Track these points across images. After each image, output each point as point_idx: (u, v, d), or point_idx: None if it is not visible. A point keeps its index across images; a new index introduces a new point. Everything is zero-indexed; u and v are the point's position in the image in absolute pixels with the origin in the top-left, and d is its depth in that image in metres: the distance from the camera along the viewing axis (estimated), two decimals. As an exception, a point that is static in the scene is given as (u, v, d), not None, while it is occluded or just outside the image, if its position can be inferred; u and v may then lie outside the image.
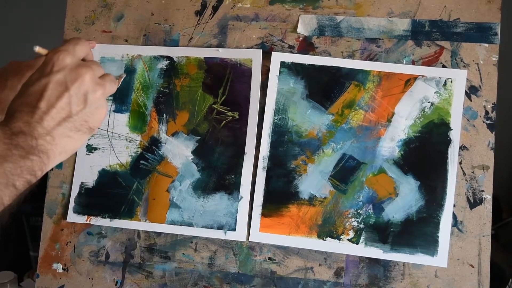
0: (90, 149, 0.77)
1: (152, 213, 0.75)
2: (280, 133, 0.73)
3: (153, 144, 0.76)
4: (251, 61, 0.74)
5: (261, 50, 0.74)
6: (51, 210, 0.79)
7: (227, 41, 0.76)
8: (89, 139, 0.77)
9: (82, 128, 0.53)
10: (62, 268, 0.78)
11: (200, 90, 0.75)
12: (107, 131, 0.77)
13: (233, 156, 0.74)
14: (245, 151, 0.74)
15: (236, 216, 0.74)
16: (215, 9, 0.77)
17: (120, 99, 0.77)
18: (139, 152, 0.77)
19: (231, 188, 0.74)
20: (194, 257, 0.75)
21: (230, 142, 0.74)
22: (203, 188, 0.75)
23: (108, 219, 0.76)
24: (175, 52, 0.76)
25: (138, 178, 0.76)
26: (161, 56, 0.77)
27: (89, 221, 0.77)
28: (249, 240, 0.73)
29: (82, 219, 0.77)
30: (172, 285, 0.75)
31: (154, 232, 0.76)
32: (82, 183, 0.77)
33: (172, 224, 0.75)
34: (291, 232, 0.72)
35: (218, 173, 0.74)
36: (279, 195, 0.73)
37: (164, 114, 0.76)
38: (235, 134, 0.74)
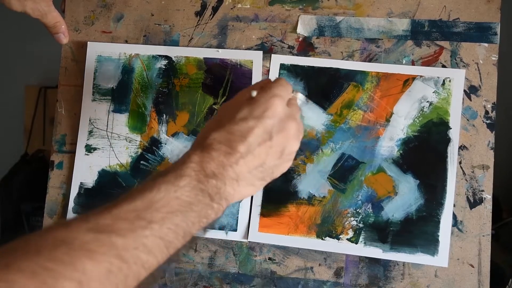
0: (89, 149, 0.78)
1: None
2: (280, 133, 0.73)
3: (153, 145, 0.76)
4: (252, 62, 0.74)
5: (261, 52, 0.74)
6: (51, 211, 0.79)
7: (227, 41, 0.76)
8: (88, 139, 0.77)
9: (267, 178, 0.51)
10: (62, 268, 0.78)
11: (200, 91, 0.75)
12: (106, 131, 0.77)
13: None
14: None
15: (238, 217, 0.74)
16: (215, 9, 0.77)
17: (119, 99, 0.77)
18: (139, 153, 0.77)
19: None
20: (194, 257, 0.75)
21: None
22: None
23: None
24: (173, 52, 0.76)
25: (139, 178, 0.76)
26: (159, 55, 0.77)
27: None
28: (248, 240, 0.73)
29: None
30: (172, 285, 0.76)
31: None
32: (81, 183, 0.77)
33: None
34: (290, 232, 0.72)
35: None
36: (278, 195, 0.73)
37: (164, 115, 0.76)
38: None
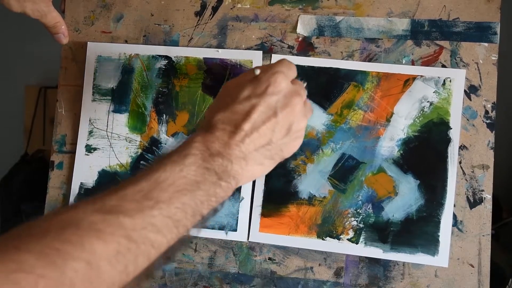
0: (89, 149, 0.78)
1: None
2: (280, 133, 0.73)
3: (153, 145, 0.76)
4: (252, 62, 0.74)
5: (261, 51, 0.74)
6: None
7: (227, 41, 0.76)
8: (88, 139, 0.77)
9: (276, 156, 0.50)
10: (62, 269, 0.78)
11: (200, 91, 0.75)
12: (106, 131, 0.77)
13: None
14: None
15: (238, 217, 0.74)
16: (214, 9, 0.77)
17: (119, 99, 0.77)
18: (139, 153, 0.77)
19: None
20: (194, 257, 0.75)
21: None
22: None
23: None
24: (173, 52, 0.76)
25: None
26: (159, 55, 0.77)
27: None
28: (249, 240, 0.73)
29: None
30: (172, 285, 0.76)
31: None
32: (81, 183, 0.77)
33: None
34: (291, 232, 0.72)
35: None
36: (279, 195, 0.73)
37: (164, 115, 0.76)
38: None
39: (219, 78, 0.75)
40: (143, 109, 0.77)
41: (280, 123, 0.48)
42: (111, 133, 0.77)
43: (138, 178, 0.43)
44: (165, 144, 0.76)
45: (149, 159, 0.76)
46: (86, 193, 0.77)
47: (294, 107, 0.49)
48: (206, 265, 0.75)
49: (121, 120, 0.77)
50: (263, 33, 0.75)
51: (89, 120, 0.78)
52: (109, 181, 0.77)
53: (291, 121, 0.49)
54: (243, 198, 0.74)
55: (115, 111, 0.77)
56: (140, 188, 0.42)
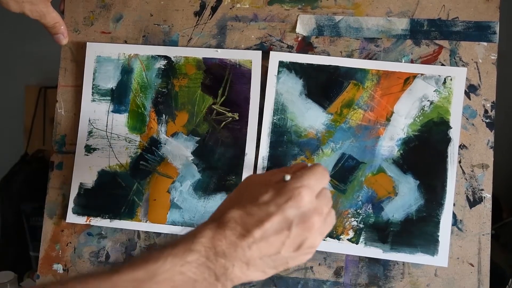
0: (89, 149, 0.78)
1: (152, 213, 0.75)
2: (279, 133, 0.73)
3: (153, 145, 0.76)
4: (251, 62, 0.74)
5: (260, 51, 0.74)
6: (51, 211, 0.79)
7: (226, 41, 0.76)
8: (87, 140, 0.77)
9: (280, 267, 0.48)
10: (63, 269, 0.78)
11: (199, 91, 0.75)
12: (106, 131, 0.77)
13: (234, 157, 0.74)
14: (246, 152, 0.74)
15: None
16: (214, 9, 0.77)
17: (118, 99, 0.77)
18: (138, 153, 0.77)
19: (232, 188, 0.74)
20: (194, 257, 0.75)
21: (230, 143, 0.74)
22: (204, 188, 0.75)
23: (108, 220, 0.76)
24: (173, 52, 0.76)
25: (138, 178, 0.76)
26: (158, 55, 0.77)
27: (89, 221, 0.77)
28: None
29: (81, 220, 0.77)
30: (172, 285, 0.75)
31: (154, 232, 0.76)
32: (81, 183, 0.77)
33: (173, 225, 0.75)
34: (291, 232, 0.72)
35: (219, 174, 0.74)
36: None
37: (163, 115, 0.76)
38: (235, 135, 0.74)
39: (219, 78, 0.75)
40: (142, 109, 0.77)
41: (292, 238, 0.46)
42: (111, 133, 0.77)
43: (137, 265, 0.42)
44: (165, 144, 0.76)
45: (149, 159, 0.76)
46: (85, 194, 0.77)
47: (311, 226, 0.46)
48: (206, 265, 0.75)
49: (121, 120, 0.77)
50: (262, 33, 0.75)
51: (89, 121, 0.78)
52: (109, 181, 0.77)
53: (304, 238, 0.46)
54: None
55: (114, 111, 0.77)
56: (135, 277, 0.41)
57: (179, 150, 0.75)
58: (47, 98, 1.58)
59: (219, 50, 0.75)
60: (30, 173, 1.28)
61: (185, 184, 0.75)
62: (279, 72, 0.73)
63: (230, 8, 0.76)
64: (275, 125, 0.73)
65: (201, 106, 0.75)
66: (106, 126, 0.77)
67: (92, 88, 0.78)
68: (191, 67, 0.75)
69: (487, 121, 0.71)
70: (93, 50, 0.78)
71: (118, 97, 0.77)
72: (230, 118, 0.74)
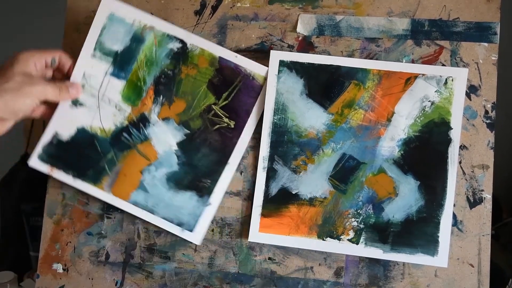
0: (76, 103, 0.75)
1: (118, 187, 0.74)
2: (280, 133, 0.73)
3: (141, 122, 0.74)
4: (265, 79, 0.74)
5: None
6: (51, 211, 0.79)
7: (227, 40, 0.76)
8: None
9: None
10: (62, 268, 0.78)
11: (205, 86, 0.74)
12: (98, 91, 0.75)
13: (216, 162, 0.74)
14: (228, 161, 0.74)
15: (198, 219, 0.74)
16: (214, 8, 0.77)
17: (120, 64, 0.75)
18: (124, 124, 0.75)
19: (204, 192, 0.74)
20: (194, 257, 0.75)
21: (218, 148, 0.74)
22: (176, 182, 0.74)
23: (71, 177, 0.75)
24: (192, 39, 0.74)
25: (116, 149, 0.75)
26: (175, 37, 0.74)
27: (51, 171, 0.75)
28: (249, 240, 0.73)
29: (44, 168, 0.75)
30: (172, 285, 0.75)
31: (154, 232, 0.76)
32: (56, 133, 0.75)
33: (134, 205, 0.74)
34: (291, 232, 0.72)
35: (196, 173, 0.74)
36: (279, 196, 0.73)
37: (161, 96, 0.75)
38: (224, 142, 0.74)
39: (228, 82, 0.74)
40: (142, 83, 0.75)
41: None
42: (103, 95, 0.75)
43: None
44: (153, 125, 0.74)
45: (133, 134, 0.75)
46: (57, 144, 0.75)
47: None
48: (206, 265, 0.75)
49: (117, 86, 0.75)
50: (263, 32, 0.75)
51: (83, 74, 0.74)
52: (85, 142, 0.75)
53: None
54: (210, 204, 0.74)
55: (113, 74, 0.75)
56: None
57: (166, 136, 0.74)
58: (47, 98, 1.58)
59: (238, 55, 0.74)
60: (30, 173, 1.27)
61: (160, 171, 0.74)
62: (279, 71, 0.73)
63: (231, 7, 0.76)
64: (276, 125, 0.73)
65: (201, 102, 0.75)
66: (100, 86, 0.75)
67: (96, 43, 0.74)
68: (204, 61, 0.74)
69: (487, 121, 0.71)
70: (108, 6, 0.74)
71: (121, 62, 0.75)
72: (226, 124, 0.74)
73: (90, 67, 0.74)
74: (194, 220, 0.74)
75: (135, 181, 0.74)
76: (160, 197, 0.74)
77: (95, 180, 0.75)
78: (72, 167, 0.75)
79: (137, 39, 0.74)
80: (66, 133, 0.75)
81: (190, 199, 0.74)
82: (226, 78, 0.74)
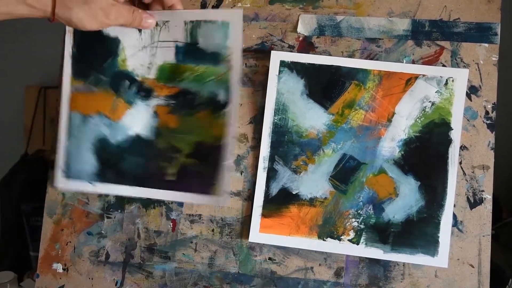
0: None
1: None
2: (280, 133, 0.73)
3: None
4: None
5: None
6: (51, 210, 0.79)
7: (227, 41, 0.76)
8: None
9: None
10: (62, 268, 0.78)
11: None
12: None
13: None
14: None
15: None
16: (215, 8, 0.76)
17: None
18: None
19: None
20: (194, 257, 0.75)
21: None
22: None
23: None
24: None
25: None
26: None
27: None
28: (249, 240, 0.73)
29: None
30: (172, 285, 0.75)
31: (154, 232, 0.76)
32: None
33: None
34: (292, 232, 0.72)
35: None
36: (279, 196, 0.73)
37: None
38: None
39: None
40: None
41: None
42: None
43: None
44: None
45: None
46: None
47: None
48: (206, 265, 0.75)
49: None
50: (263, 33, 0.75)
51: None
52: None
53: None
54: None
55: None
56: None
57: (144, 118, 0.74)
58: (47, 98, 1.58)
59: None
60: (30, 173, 1.28)
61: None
62: (280, 71, 0.73)
63: (231, 7, 0.76)
64: (276, 125, 0.73)
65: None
66: None
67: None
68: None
69: (488, 122, 0.71)
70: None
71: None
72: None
73: None
74: None
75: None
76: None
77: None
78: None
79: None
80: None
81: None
82: None
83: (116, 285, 0.77)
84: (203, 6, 0.77)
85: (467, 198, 0.71)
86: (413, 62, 0.72)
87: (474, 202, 0.71)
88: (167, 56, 0.72)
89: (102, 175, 0.74)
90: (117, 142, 0.74)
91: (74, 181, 0.75)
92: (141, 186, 0.74)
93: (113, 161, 0.74)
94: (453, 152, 0.70)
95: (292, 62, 0.73)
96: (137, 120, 0.73)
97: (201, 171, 0.72)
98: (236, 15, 0.69)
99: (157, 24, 0.71)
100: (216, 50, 0.70)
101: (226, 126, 0.70)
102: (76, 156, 0.75)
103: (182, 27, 0.71)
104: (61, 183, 0.76)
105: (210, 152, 0.71)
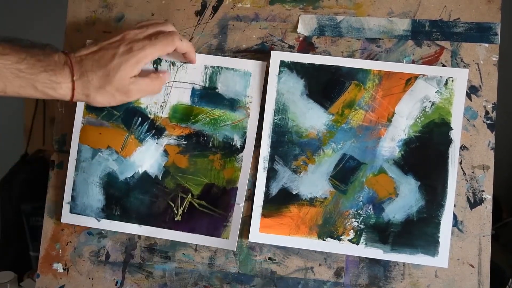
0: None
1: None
2: (280, 133, 0.73)
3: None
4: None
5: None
6: (51, 211, 0.79)
7: (227, 41, 0.76)
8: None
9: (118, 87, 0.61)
10: (63, 268, 0.78)
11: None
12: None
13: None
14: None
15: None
16: (215, 9, 0.77)
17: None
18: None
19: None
20: (194, 257, 0.75)
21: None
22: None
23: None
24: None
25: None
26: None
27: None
28: (249, 240, 0.73)
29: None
30: (172, 285, 0.75)
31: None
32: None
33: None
34: (291, 232, 0.72)
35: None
36: (279, 196, 0.73)
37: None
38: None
39: None
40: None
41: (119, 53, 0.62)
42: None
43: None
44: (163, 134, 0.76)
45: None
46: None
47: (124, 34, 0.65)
48: (206, 265, 0.75)
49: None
50: (263, 33, 0.75)
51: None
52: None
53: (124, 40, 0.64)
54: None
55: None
56: None
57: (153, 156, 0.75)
58: (47, 98, 1.58)
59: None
60: (30, 173, 1.28)
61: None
62: (280, 72, 0.73)
63: (232, 8, 0.76)
64: (276, 125, 0.73)
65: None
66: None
67: None
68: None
69: (488, 122, 0.71)
70: None
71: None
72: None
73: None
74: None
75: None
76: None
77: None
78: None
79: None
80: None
81: None
82: None
83: (116, 285, 0.77)
84: (203, 6, 0.77)
85: (467, 198, 0.71)
86: (413, 62, 0.72)
87: (474, 202, 0.71)
88: (182, 97, 0.74)
89: (109, 211, 0.75)
90: (125, 178, 0.75)
91: (80, 216, 0.76)
92: (146, 225, 0.75)
93: (120, 197, 0.75)
94: (453, 152, 0.70)
95: (292, 62, 0.73)
96: (147, 157, 0.74)
97: (210, 212, 0.73)
98: (259, 66, 0.73)
99: (174, 64, 0.72)
100: (235, 97, 0.73)
101: (239, 170, 0.72)
102: (83, 190, 0.76)
103: (201, 71, 0.73)
104: (68, 218, 0.77)
105: (221, 194, 0.73)
